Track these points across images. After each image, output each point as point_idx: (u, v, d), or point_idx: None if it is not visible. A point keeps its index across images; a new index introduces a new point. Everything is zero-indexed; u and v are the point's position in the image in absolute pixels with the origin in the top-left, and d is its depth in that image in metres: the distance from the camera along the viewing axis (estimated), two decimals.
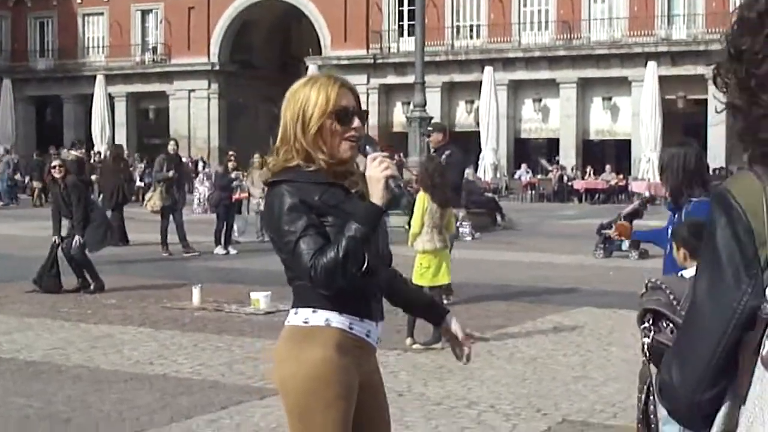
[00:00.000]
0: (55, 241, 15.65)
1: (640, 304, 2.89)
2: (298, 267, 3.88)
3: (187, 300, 14.10)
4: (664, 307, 2.79)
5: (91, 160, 38.15)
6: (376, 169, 3.91)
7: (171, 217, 21.05)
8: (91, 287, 15.46)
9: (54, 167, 15.64)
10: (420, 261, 11.50)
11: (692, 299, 2.27)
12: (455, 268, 12.77)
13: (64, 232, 15.69)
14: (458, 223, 21.32)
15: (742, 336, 2.17)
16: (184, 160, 46.17)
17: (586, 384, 9.37)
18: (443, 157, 14.40)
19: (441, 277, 11.60)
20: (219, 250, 21.22)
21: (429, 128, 17.06)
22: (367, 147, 4.02)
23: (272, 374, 4.09)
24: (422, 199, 11.77)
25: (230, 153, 23.80)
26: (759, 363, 2.14)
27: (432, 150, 16.23)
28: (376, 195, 3.90)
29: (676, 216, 6.30)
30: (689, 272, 4.58)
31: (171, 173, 21.11)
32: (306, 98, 4.02)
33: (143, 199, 26.51)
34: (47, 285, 15.40)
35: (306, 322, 3.98)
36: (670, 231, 6.21)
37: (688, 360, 2.23)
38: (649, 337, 2.83)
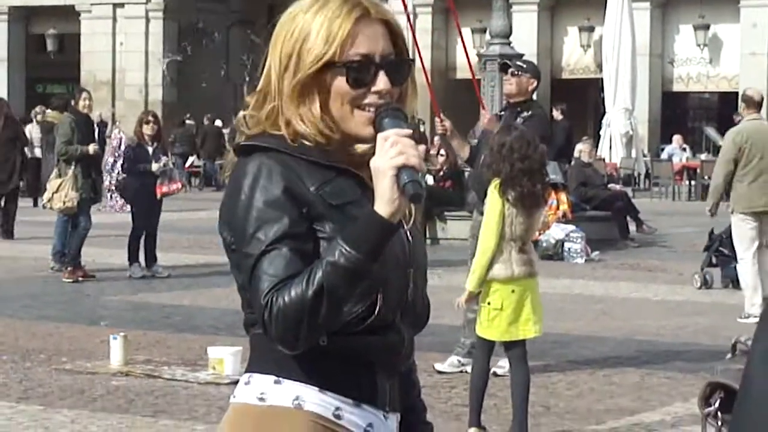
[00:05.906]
0: None
1: (712, 375, 2.45)
2: (253, 300, 2.81)
3: (102, 358, 11.06)
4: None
5: None
6: (383, 156, 2.77)
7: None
8: None
9: None
10: (488, 298, 8.29)
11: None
12: (553, 311, 11.71)
13: None
14: (562, 235, 17.78)
15: None
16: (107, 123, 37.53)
17: None
18: (519, 120, 10.53)
19: (524, 325, 8.30)
20: (134, 270, 16.36)
21: (519, 64, 11.24)
22: (386, 121, 2.84)
23: None
24: (496, 198, 8.30)
25: (149, 116, 16.96)
26: None
27: (502, 107, 12.21)
28: (381, 198, 2.75)
29: None
30: None
31: (92, 147, 16.33)
32: (304, 30, 2.85)
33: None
34: None
35: (262, 399, 2.88)
36: None
37: None
38: (715, 427, 2.49)
